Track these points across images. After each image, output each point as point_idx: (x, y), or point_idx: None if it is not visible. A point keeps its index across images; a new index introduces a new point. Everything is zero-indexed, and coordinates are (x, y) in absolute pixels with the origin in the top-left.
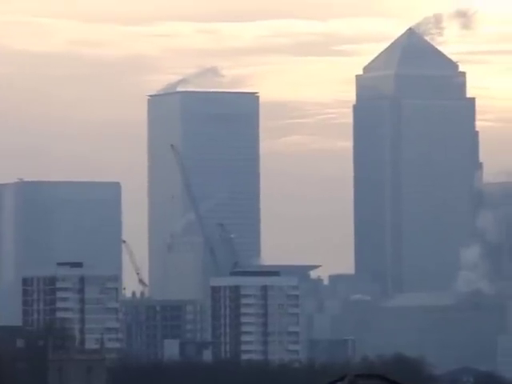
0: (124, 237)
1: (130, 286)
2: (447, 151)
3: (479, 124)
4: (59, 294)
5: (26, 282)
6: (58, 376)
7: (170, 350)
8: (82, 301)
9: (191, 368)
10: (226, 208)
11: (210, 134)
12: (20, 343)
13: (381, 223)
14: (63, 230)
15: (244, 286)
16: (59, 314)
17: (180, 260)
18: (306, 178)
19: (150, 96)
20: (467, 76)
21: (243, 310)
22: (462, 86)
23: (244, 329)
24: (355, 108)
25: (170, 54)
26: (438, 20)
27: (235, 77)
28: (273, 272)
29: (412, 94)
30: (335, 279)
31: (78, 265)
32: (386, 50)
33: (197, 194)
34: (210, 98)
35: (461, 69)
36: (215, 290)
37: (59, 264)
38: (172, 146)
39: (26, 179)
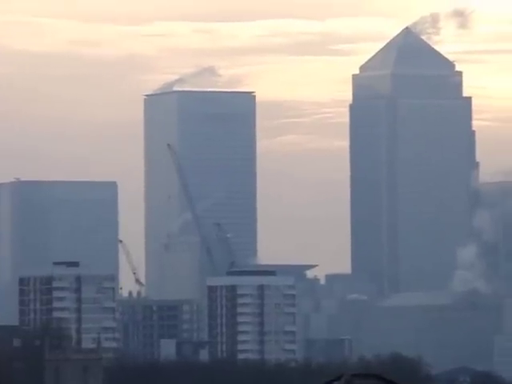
0: (121, 236)
1: (127, 285)
2: (444, 151)
3: (476, 123)
4: (56, 294)
5: (22, 281)
6: (55, 375)
7: (167, 349)
8: (79, 300)
9: (188, 368)
10: (223, 208)
11: (207, 133)
12: (17, 343)
13: (377, 222)
14: (60, 230)
15: (240, 285)
16: (56, 314)
17: (177, 260)
18: (303, 177)
19: (147, 96)
20: (464, 75)
21: (240, 309)
22: (459, 85)
23: (240, 328)
24: (351, 107)
25: (166, 53)
26: (434, 19)
27: (232, 76)
28: (269, 272)
29: (408, 94)
30: (332, 279)
31: (75, 264)
32: (382, 49)
33: (193, 193)
34: (207, 98)
35: (457, 68)
36: (212, 289)
37: (56, 263)
38: (168, 145)
39: (22, 179)
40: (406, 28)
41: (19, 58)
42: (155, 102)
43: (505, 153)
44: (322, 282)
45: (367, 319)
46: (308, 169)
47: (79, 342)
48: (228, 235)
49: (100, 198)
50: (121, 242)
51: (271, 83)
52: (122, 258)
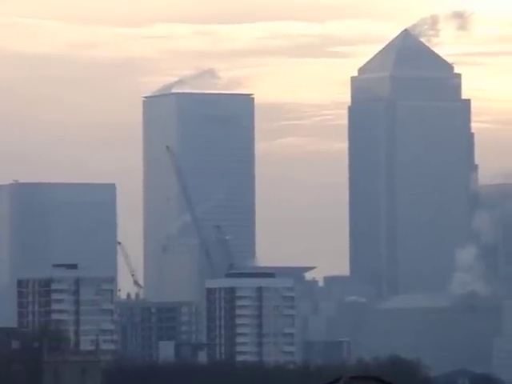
0: (119, 238)
1: (125, 287)
2: (443, 153)
3: (475, 126)
4: (54, 296)
5: (21, 283)
6: (53, 377)
7: (165, 351)
8: (77, 302)
9: (186, 369)
10: (222, 210)
11: (206, 135)
12: (15, 345)
13: (376, 224)
14: (59, 232)
15: (239, 287)
16: (54, 316)
17: (175, 262)
18: (302, 179)
19: (146, 97)
20: (463, 77)
21: (238, 311)
22: (458, 87)
23: (239, 330)
24: (350, 110)
25: (167, 55)
26: (434, 21)
27: (232, 78)
28: (268, 274)
29: (407, 96)
30: (330, 281)
31: (73, 266)
32: (381, 51)
33: (192, 195)
34: (206, 100)
35: (456, 70)
36: (210, 291)
37: (54, 266)
38: (167, 147)
39: (21, 181)
40: (405, 30)
41: (15, 60)
42: (154, 104)
43: (504, 155)
44: (321, 284)
45: (366, 321)
46: (307, 171)
47: (77, 344)
48: (227, 237)
49: (99, 200)
50: (119, 243)
51: (271, 85)
52: (121, 260)
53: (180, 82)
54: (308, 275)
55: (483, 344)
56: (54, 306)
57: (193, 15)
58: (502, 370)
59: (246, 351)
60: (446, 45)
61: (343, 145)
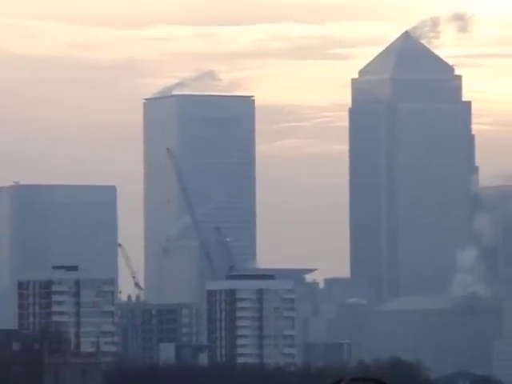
0: (120, 240)
1: (126, 289)
2: (443, 155)
3: (475, 127)
4: (55, 298)
5: (21, 285)
6: (54, 379)
7: (166, 353)
8: (78, 304)
9: (187, 371)
10: (222, 212)
11: (206, 137)
12: (16, 346)
13: (376, 226)
14: (59, 234)
15: (240, 289)
16: (55, 318)
17: (176, 264)
18: (302, 181)
19: (146, 99)
20: (463, 79)
21: (239, 313)
22: (458, 89)
23: (239, 332)
24: (351, 112)
25: (167, 57)
26: (434, 23)
27: (232, 80)
28: (268, 276)
29: (408, 98)
30: (331, 283)
31: (74, 268)
32: (381, 53)
33: (193, 197)
34: (206, 102)
35: (457, 72)
36: (211, 293)
37: (55, 267)
38: (168, 149)
39: (21, 183)
40: (406, 32)
41: (15, 62)
42: (155, 106)
43: (504, 157)
44: (321, 286)
45: (366, 323)
46: (308, 173)
47: (78, 345)
48: (227, 239)
49: (99, 202)
50: (120, 245)
51: (271, 87)
52: (121, 262)
53: (180, 84)
54: (308, 277)
55: (484, 346)
56: (55, 308)
57: (193, 17)
58: (502, 372)
59: (246, 353)
60: (446, 47)
61: (343, 147)
